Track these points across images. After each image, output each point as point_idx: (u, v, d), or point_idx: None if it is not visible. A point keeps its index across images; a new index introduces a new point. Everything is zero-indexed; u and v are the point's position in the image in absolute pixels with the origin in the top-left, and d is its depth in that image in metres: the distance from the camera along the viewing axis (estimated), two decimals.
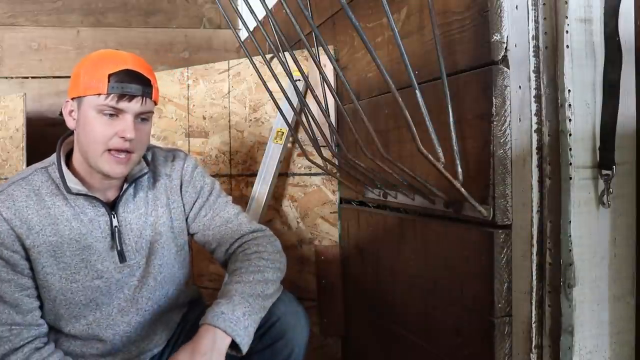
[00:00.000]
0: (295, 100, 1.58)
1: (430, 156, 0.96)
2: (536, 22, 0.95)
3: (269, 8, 1.26)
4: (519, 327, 1.02)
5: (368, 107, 1.49)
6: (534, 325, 0.98)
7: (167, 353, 1.30)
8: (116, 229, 1.19)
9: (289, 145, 1.85)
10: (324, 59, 1.48)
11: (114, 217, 1.20)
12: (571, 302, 0.93)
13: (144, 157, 1.25)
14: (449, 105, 0.97)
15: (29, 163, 2.22)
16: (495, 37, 1.00)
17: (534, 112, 0.96)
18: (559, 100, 0.93)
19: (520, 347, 1.01)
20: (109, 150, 1.12)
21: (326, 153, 1.54)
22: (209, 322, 1.09)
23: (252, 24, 1.53)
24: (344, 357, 1.83)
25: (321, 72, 1.10)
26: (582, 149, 0.93)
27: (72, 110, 1.15)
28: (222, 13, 1.36)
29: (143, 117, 1.15)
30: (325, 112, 1.28)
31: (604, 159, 0.93)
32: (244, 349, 1.10)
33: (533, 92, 0.95)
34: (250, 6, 1.26)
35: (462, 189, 1.01)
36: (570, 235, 0.92)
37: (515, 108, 0.99)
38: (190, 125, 2.11)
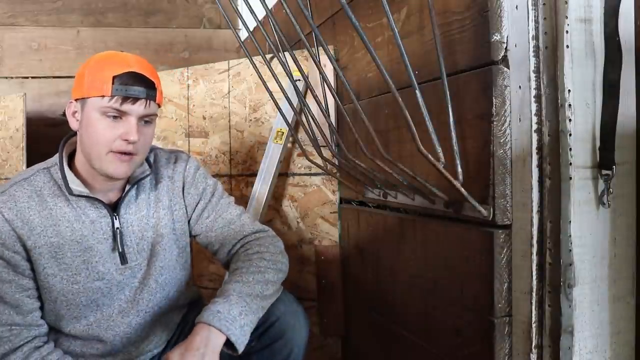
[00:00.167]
0: (295, 100, 1.58)
1: (430, 156, 0.96)
2: (536, 22, 0.95)
3: (269, 8, 1.26)
4: (519, 327, 1.02)
5: (368, 107, 1.49)
6: (534, 325, 0.98)
7: None
8: (118, 230, 1.19)
9: (289, 145, 1.85)
10: (324, 59, 1.48)
11: (116, 219, 1.19)
12: (571, 302, 0.93)
13: (147, 159, 1.25)
14: (449, 105, 0.96)
15: (29, 163, 2.22)
16: (495, 37, 1.00)
17: (534, 112, 0.96)
18: (559, 100, 0.93)
19: (520, 347, 1.01)
20: (112, 151, 1.12)
21: (326, 153, 1.54)
22: (204, 321, 1.09)
23: (252, 24, 1.53)
24: (344, 357, 1.83)
25: (321, 72, 1.10)
26: (582, 149, 0.93)
27: (75, 112, 1.15)
28: (222, 13, 1.36)
29: (146, 120, 1.15)
30: (325, 112, 1.28)
31: (604, 159, 0.93)
32: (240, 348, 1.10)
33: (533, 92, 0.95)
34: (250, 6, 1.26)
35: (462, 189, 1.01)
36: (570, 235, 0.92)
37: (515, 108, 0.99)
38: (190, 125, 2.11)
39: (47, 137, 2.44)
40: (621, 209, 0.96)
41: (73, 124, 1.16)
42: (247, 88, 1.96)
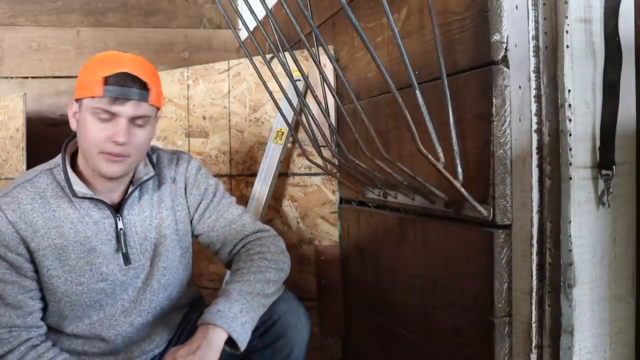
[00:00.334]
0: (295, 100, 1.58)
1: (430, 156, 0.96)
2: (536, 22, 0.95)
3: (269, 8, 1.26)
4: (519, 327, 1.02)
5: (368, 107, 1.49)
6: (534, 325, 0.98)
7: None
8: (121, 231, 1.19)
9: (289, 145, 1.85)
10: (324, 59, 1.48)
11: (119, 220, 1.19)
12: (571, 302, 0.93)
13: (150, 160, 1.25)
14: (449, 105, 0.96)
15: (29, 163, 2.23)
16: (495, 37, 1.00)
17: (534, 112, 0.95)
18: (559, 100, 0.93)
19: (520, 347, 1.01)
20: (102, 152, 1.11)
21: (326, 153, 1.54)
22: (205, 321, 1.10)
23: (252, 24, 1.53)
24: (344, 357, 1.83)
25: (321, 72, 1.10)
26: (582, 149, 0.93)
27: (75, 112, 1.15)
28: (222, 13, 1.36)
29: (139, 121, 1.12)
30: (325, 112, 1.28)
31: (604, 159, 0.93)
32: (242, 345, 1.10)
33: (533, 92, 0.95)
34: (250, 6, 1.26)
35: (462, 189, 1.01)
36: (570, 235, 0.92)
37: (515, 108, 0.99)
38: (190, 125, 2.11)
39: (47, 137, 2.44)
40: (621, 209, 0.96)
41: (72, 125, 1.16)
42: (247, 88, 1.96)
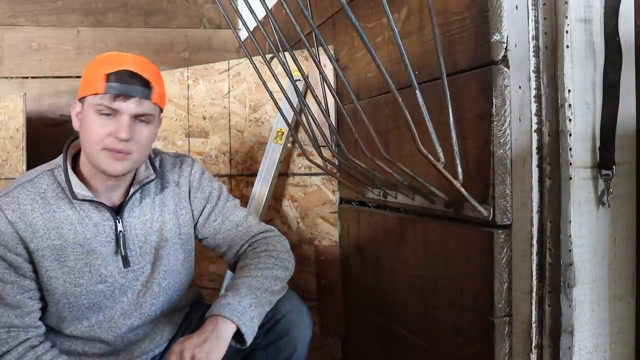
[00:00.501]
0: (295, 100, 1.58)
1: (430, 156, 0.96)
2: (536, 22, 0.95)
3: (269, 8, 1.26)
4: (519, 327, 1.02)
5: (368, 107, 1.49)
6: (534, 325, 0.98)
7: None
8: (121, 233, 1.19)
9: (289, 145, 1.85)
10: (324, 59, 1.48)
11: (119, 222, 1.19)
12: (571, 302, 0.93)
13: (152, 164, 1.25)
14: (449, 105, 0.96)
15: (28, 163, 2.23)
16: (495, 37, 1.00)
17: (534, 112, 0.95)
18: (559, 100, 0.93)
19: (520, 347, 1.01)
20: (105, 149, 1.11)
21: (326, 153, 1.54)
22: (215, 313, 1.10)
23: (252, 24, 1.53)
24: (344, 357, 1.83)
25: (321, 72, 1.10)
26: (582, 149, 0.93)
27: (78, 112, 1.15)
28: (222, 13, 1.36)
29: (142, 119, 1.13)
30: (325, 112, 1.28)
31: (604, 159, 0.93)
32: (249, 339, 1.10)
33: (533, 92, 0.95)
34: (250, 6, 1.26)
35: (462, 189, 1.01)
36: (570, 235, 0.92)
37: (515, 108, 0.99)
38: (190, 125, 2.11)
39: (47, 137, 2.44)
40: (621, 209, 0.96)
41: (75, 124, 1.16)
42: (247, 88, 1.96)
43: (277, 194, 1.88)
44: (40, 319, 1.18)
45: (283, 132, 1.80)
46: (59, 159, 1.19)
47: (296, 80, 1.47)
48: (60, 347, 1.20)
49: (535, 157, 0.96)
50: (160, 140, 2.16)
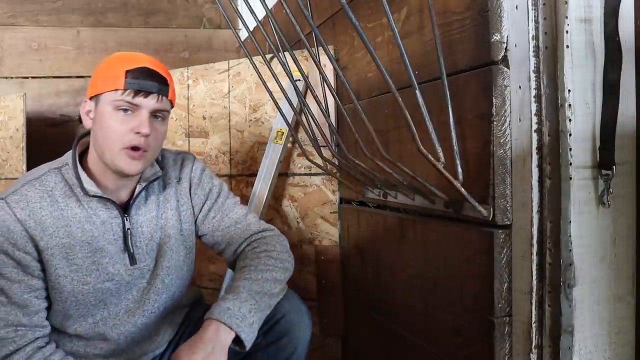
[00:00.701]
0: (295, 100, 1.58)
1: (430, 156, 0.96)
2: (536, 22, 0.95)
3: (269, 8, 1.26)
4: (519, 327, 1.02)
5: (368, 107, 1.49)
6: (534, 325, 0.98)
7: (169, 354, 1.31)
8: (129, 231, 1.20)
9: (289, 145, 1.85)
10: (324, 59, 1.48)
11: (127, 220, 1.20)
12: (571, 302, 0.93)
13: (156, 160, 1.26)
14: (449, 105, 0.96)
15: (28, 163, 2.22)
16: (495, 37, 1.00)
17: (534, 112, 0.95)
18: (559, 100, 0.93)
19: (520, 347, 1.01)
20: (125, 148, 1.12)
21: (326, 153, 1.54)
22: (215, 317, 1.10)
23: (252, 24, 1.53)
24: (344, 357, 1.83)
25: (321, 72, 1.10)
26: (582, 149, 0.93)
27: (89, 110, 1.16)
28: (222, 13, 1.36)
29: (159, 115, 1.16)
30: (325, 112, 1.28)
31: (604, 159, 0.93)
32: (248, 345, 1.11)
33: (533, 92, 0.95)
34: (250, 6, 1.26)
35: (462, 189, 1.01)
36: (570, 235, 0.92)
37: (515, 108, 0.99)
38: (190, 125, 2.11)
39: (47, 137, 2.44)
40: (621, 209, 0.96)
41: (87, 123, 1.17)
42: (247, 88, 1.96)
43: (277, 194, 1.88)
44: (46, 318, 1.18)
45: (283, 132, 1.80)
46: (65, 157, 1.19)
47: (296, 80, 1.47)
48: (62, 348, 1.20)
49: (535, 157, 0.96)
50: None
